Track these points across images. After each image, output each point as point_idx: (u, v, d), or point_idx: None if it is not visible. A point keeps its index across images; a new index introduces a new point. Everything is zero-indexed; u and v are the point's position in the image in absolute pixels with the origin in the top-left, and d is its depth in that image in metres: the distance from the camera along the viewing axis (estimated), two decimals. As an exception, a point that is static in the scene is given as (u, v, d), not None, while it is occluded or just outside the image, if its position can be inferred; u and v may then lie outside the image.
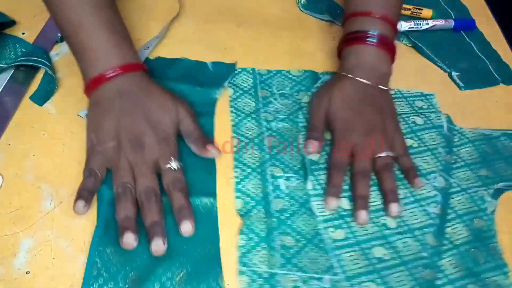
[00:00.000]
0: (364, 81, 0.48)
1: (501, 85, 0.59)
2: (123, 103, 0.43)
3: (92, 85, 0.43)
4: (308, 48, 0.59)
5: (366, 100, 0.48)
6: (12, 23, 0.54)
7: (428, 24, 0.63)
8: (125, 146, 0.41)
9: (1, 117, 0.46)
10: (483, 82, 0.59)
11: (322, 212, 0.43)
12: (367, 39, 0.50)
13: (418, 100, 0.55)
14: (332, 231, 0.42)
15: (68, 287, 0.36)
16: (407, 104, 0.54)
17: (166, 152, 0.42)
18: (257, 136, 0.48)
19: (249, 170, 0.45)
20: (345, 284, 0.39)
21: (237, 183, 0.44)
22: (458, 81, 0.58)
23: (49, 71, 0.48)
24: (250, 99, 0.51)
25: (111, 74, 0.43)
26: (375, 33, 0.50)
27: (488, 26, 0.67)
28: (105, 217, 0.40)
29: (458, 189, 0.46)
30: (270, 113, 0.50)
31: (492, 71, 0.60)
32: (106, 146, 0.41)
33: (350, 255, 0.41)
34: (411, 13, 0.65)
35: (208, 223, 0.41)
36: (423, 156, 0.49)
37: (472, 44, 0.64)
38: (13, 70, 0.50)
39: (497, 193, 0.46)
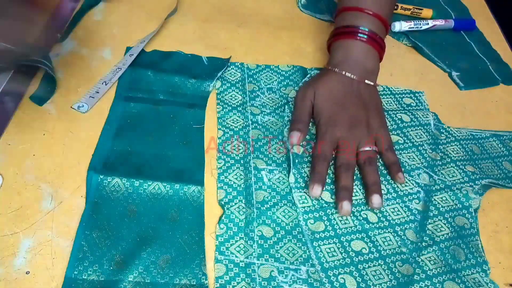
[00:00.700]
0: (350, 75, 0.49)
1: (501, 85, 0.59)
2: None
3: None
4: (308, 48, 0.59)
5: (351, 95, 0.49)
6: None
7: (428, 24, 0.63)
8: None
9: (1, 117, 0.46)
10: (483, 82, 0.59)
11: (303, 204, 0.43)
12: (358, 35, 0.50)
13: (406, 97, 0.55)
14: (311, 223, 0.42)
15: (68, 287, 0.36)
16: (395, 101, 0.54)
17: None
18: (242, 129, 0.48)
19: (232, 161, 0.45)
20: (322, 275, 0.39)
21: (220, 174, 0.44)
22: (458, 81, 0.58)
23: (49, 71, 0.49)
24: (237, 92, 0.52)
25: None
26: (365, 29, 0.50)
27: (488, 26, 0.67)
28: (92, 201, 0.40)
29: (442, 186, 0.46)
30: (256, 107, 0.51)
31: (492, 71, 0.60)
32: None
33: (329, 248, 0.41)
34: (411, 13, 0.65)
35: (195, 211, 0.41)
36: (408, 152, 0.49)
37: (472, 44, 0.64)
38: (13, 70, 0.49)
39: (482, 190, 0.47)
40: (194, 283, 0.37)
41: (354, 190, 0.45)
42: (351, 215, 0.43)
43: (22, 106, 0.47)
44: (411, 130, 0.51)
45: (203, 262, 0.39)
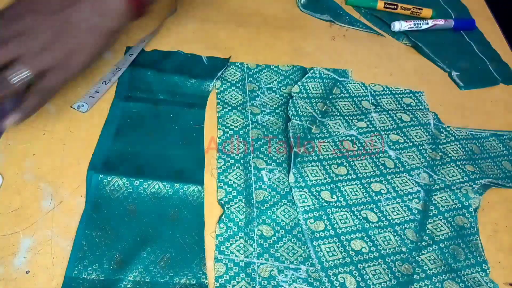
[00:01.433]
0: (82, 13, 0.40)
1: (501, 85, 0.59)
2: None
3: None
4: (308, 47, 0.59)
5: None
6: None
7: (428, 24, 0.63)
8: None
9: (1, 117, 0.46)
10: (483, 82, 0.59)
11: (303, 203, 0.43)
12: None
13: (406, 97, 0.55)
14: (311, 223, 0.42)
15: (68, 287, 0.36)
16: (395, 101, 0.54)
17: None
18: (242, 129, 0.48)
19: (232, 161, 0.45)
20: (322, 274, 0.39)
21: (220, 173, 0.44)
22: (458, 81, 0.58)
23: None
24: (237, 92, 0.52)
25: None
26: None
27: (488, 26, 0.67)
28: (92, 201, 0.40)
29: (442, 185, 0.46)
30: (256, 107, 0.51)
31: (492, 71, 0.60)
32: None
33: (328, 247, 0.41)
34: (411, 13, 0.65)
35: (194, 210, 0.42)
36: (408, 152, 0.49)
37: (472, 44, 0.64)
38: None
39: (481, 190, 0.47)
40: (194, 282, 0.37)
41: (354, 190, 0.45)
42: (351, 214, 0.43)
43: (22, 106, 0.47)
44: (411, 130, 0.51)
45: (203, 262, 0.39)
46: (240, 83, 0.53)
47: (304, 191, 0.44)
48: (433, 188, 0.46)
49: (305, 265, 0.40)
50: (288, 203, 0.43)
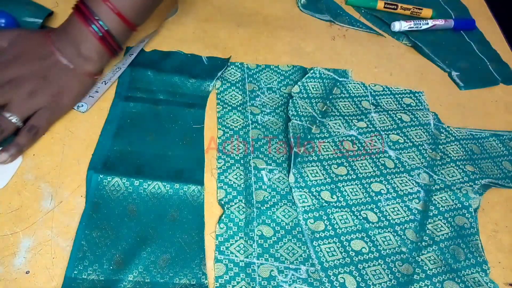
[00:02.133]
0: (63, 59, 0.45)
1: (501, 85, 0.59)
2: None
3: None
4: (308, 47, 0.59)
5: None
6: (50, 14, 0.53)
7: (428, 24, 0.63)
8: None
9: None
10: (483, 82, 0.59)
11: (303, 203, 0.43)
12: (92, 26, 0.44)
13: (406, 97, 0.55)
14: (311, 223, 0.42)
15: (68, 287, 0.36)
16: (395, 101, 0.54)
17: None
18: (241, 129, 0.48)
19: (232, 161, 0.45)
20: (322, 275, 0.39)
21: (220, 173, 0.44)
22: (458, 81, 0.58)
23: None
24: (237, 92, 0.52)
25: None
26: (104, 27, 0.44)
27: (488, 26, 0.67)
28: (92, 201, 0.40)
29: (442, 185, 0.47)
30: (256, 107, 0.51)
31: (492, 71, 0.60)
32: None
33: (328, 247, 0.41)
34: (411, 13, 0.65)
35: (194, 210, 0.42)
36: (408, 152, 0.49)
37: (472, 44, 0.64)
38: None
39: (481, 190, 0.47)
40: (194, 282, 0.37)
41: (354, 190, 0.45)
42: (351, 214, 0.43)
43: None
44: (411, 130, 0.51)
45: (203, 262, 0.39)
46: (240, 83, 0.53)
47: (304, 191, 0.44)
48: (433, 188, 0.46)
49: (305, 265, 0.40)
50: (288, 203, 0.43)
